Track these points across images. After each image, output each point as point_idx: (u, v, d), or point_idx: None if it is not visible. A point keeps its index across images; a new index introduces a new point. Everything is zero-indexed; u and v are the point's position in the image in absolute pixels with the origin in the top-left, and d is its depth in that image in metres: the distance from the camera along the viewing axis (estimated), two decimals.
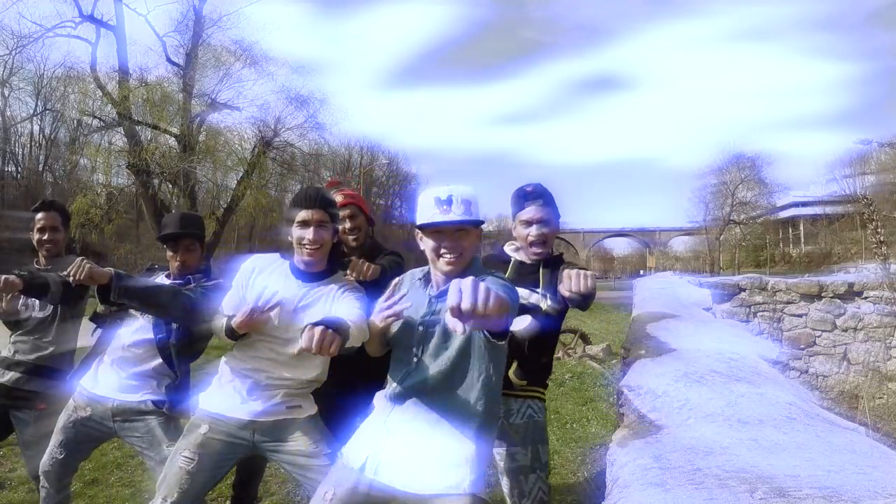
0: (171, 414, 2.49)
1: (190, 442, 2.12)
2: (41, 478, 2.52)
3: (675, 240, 56.65)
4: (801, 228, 44.32)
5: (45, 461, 2.50)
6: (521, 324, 2.09)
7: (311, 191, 2.16)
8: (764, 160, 40.49)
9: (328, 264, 2.20)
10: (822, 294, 8.80)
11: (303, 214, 2.07)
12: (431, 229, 1.73)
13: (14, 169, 33.43)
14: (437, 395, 1.72)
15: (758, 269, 36.11)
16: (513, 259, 2.38)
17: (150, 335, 2.45)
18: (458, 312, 1.20)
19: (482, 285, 1.22)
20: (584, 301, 1.93)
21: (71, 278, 2.07)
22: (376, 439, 1.78)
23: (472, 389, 1.71)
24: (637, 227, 59.99)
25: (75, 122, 27.69)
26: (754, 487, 0.99)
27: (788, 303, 8.90)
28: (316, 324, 1.54)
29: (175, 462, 2.09)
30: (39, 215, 2.85)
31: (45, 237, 2.82)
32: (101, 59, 22.34)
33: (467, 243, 1.75)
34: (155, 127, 22.62)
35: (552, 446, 4.48)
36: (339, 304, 2.03)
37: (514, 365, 2.21)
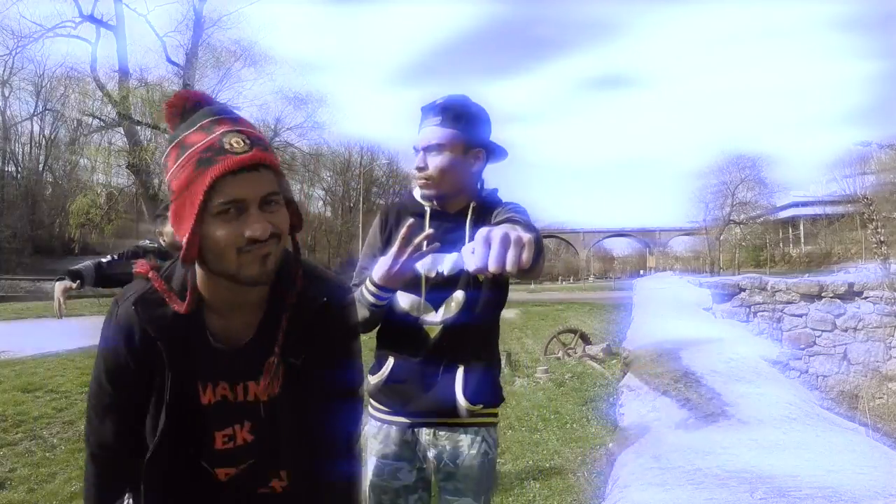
0: None
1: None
2: None
3: (675, 240, 56.63)
4: (801, 228, 44.28)
5: None
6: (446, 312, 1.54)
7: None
8: (764, 160, 40.58)
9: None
10: (822, 294, 8.80)
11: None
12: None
13: (14, 169, 33.42)
14: None
15: (758, 269, 36.09)
16: (425, 207, 1.61)
17: None
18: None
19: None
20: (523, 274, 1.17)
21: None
22: None
23: None
24: (637, 227, 59.99)
25: (75, 122, 27.71)
26: (754, 487, 0.99)
27: (788, 303, 8.90)
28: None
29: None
30: None
31: None
32: (101, 59, 22.39)
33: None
34: (155, 127, 22.64)
35: (552, 446, 4.48)
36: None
37: (459, 379, 1.53)
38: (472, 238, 1.35)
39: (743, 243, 42.21)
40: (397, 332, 1.58)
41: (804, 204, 43.69)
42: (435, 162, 1.51)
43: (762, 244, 43.86)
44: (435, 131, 1.51)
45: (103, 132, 25.64)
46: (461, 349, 1.54)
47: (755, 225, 42.39)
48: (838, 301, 8.69)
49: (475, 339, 1.57)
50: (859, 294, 8.57)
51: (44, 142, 33.63)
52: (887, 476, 1.03)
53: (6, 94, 28.34)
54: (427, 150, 1.52)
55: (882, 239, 7.05)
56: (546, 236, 64.55)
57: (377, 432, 1.60)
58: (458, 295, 1.54)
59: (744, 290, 9.07)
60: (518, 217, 1.38)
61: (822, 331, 8.75)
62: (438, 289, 1.55)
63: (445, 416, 1.54)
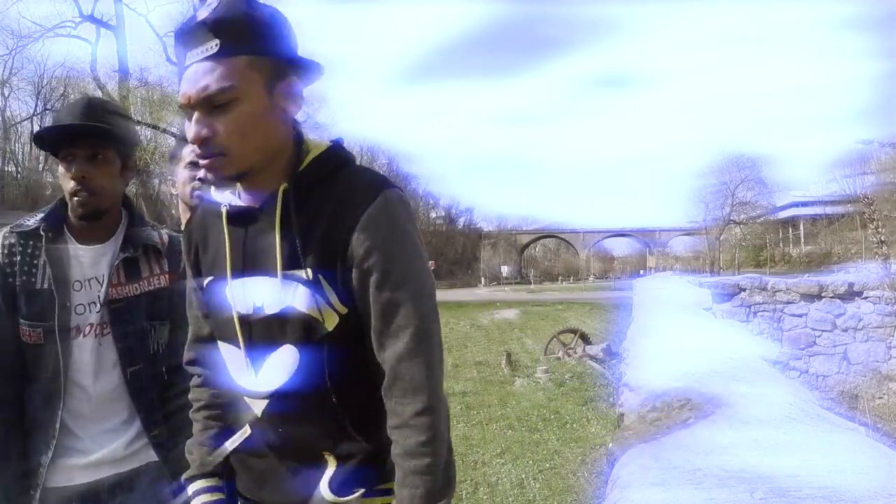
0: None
1: None
2: None
3: (675, 240, 56.62)
4: (801, 228, 44.28)
5: None
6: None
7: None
8: (764, 160, 40.61)
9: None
10: (822, 294, 8.80)
11: None
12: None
13: (14, 169, 33.43)
14: None
15: (758, 269, 36.08)
16: (221, 206, 1.00)
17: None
18: None
19: None
20: None
21: None
22: None
23: None
24: (637, 227, 59.98)
25: None
26: (754, 487, 0.98)
27: (788, 303, 8.90)
28: None
29: None
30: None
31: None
32: (101, 59, 22.41)
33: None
34: (155, 127, 22.66)
35: (552, 446, 4.48)
36: None
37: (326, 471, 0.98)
38: (284, 245, 0.90)
39: (743, 243, 42.23)
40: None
41: (804, 204, 43.70)
42: (225, 125, 0.87)
43: (762, 244, 43.85)
44: (211, 68, 0.85)
45: None
46: (309, 435, 0.96)
47: (755, 225, 42.41)
48: (838, 301, 8.69)
49: (340, 417, 0.94)
50: (859, 294, 8.58)
51: None
52: (887, 476, 1.03)
53: (6, 94, 28.35)
54: (203, 105, 0.87)
55: (882, 238, 7.06)
56: (546, 236, 64.52)
57: None
58: (286, 353, 0.93)
59: (744, 290, 9.07)
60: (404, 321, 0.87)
61: (822, 331, 8.75)
62: (258, 340, 0.95)
63: None
